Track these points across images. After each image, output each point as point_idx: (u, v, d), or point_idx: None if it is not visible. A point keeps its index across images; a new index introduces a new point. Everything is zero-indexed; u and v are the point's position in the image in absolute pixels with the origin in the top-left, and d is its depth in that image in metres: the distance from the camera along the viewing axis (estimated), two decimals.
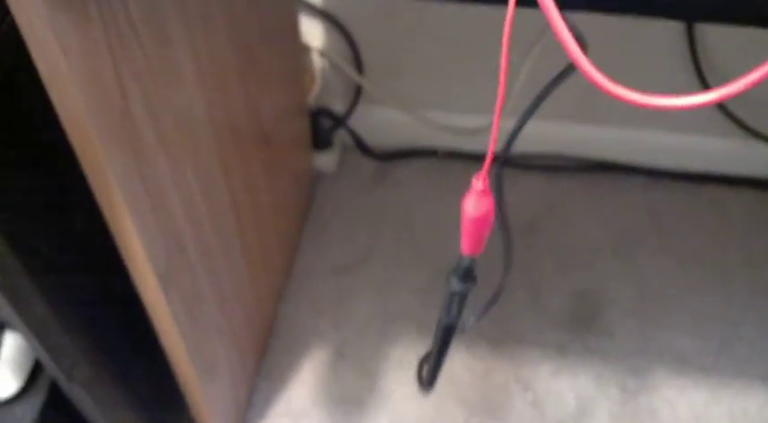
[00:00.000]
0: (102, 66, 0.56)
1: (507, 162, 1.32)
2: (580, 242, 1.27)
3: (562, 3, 0.28)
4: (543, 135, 1.33)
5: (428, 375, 0.67)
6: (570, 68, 0.35)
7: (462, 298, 0.53)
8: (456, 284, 0.52)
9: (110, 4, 0.56)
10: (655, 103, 0.29)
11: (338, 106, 1.34)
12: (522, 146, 1.36)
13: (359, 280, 1.22)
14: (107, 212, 0.65)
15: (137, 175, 0.65)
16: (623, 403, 1.08)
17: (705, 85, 1.20)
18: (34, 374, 0.77)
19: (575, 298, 1.20)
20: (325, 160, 1.36)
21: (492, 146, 0.39)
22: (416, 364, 0.69)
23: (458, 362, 1.12)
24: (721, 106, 1.25)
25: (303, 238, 1.28)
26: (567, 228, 1.29)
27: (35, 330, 0.67)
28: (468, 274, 0.52)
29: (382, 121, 1.36)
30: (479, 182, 0.42)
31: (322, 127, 1.33)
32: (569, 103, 1.28)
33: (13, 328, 0.70)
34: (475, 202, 0.43)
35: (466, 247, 0.47)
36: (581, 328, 1.16)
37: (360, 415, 1.08)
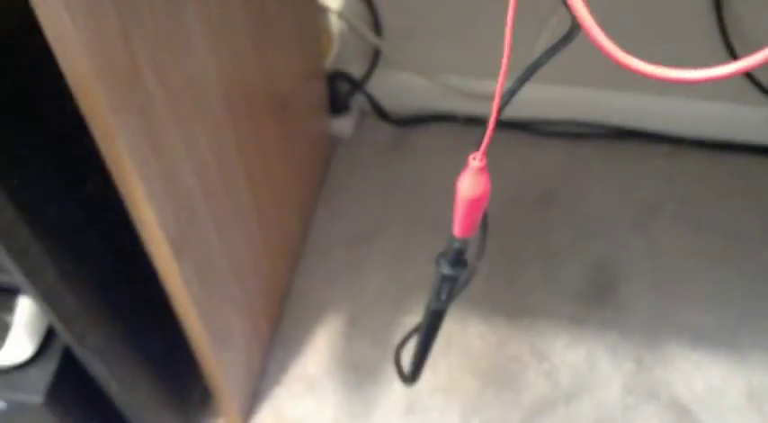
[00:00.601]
0: (109, 28, 0.55)
1: (517, 127, 1.30)
2: (598, 212, 1.25)
3: None
4: (563, 101, 1.31)
5: (414, 364, 0.65)
6: (573, 32, 0.33)
7: (452, 282, 0.51)
8: (446, 268, 0.50)
9: None
10: (665, 75, 0.27)
11: (356, 70, 1.32)
12: (542, 112, 1.33)
13: (373, 249, 1.21)
14: (117, 177, 0.63)
15: (147, 140, 0.63)
16: (638, 376, 1.07)
17: (732, 53, 1.17)
18: (48, 339, 0.77)
19: (592, 269, 1.18)
20: (342, 125, 1.34)
21: (493, 122, 0.37)
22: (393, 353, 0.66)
23: (472, 332, 1.11)
24: (747, 74, 1.22)
25: (318, 206, 1.27)
26: (585, 197, 1.27)
27: (46, 296, 0.67)
28: (458, 258, 0.49)
29: (400, 86, 1.34)
30: (476, 160, 0.40)
31: (339, 91, 1.31)
32: (590, 69, 1.25)
33: (26, 293, 0.70)
34: (471, 182, 0.40)
35: (458, 228, 0.45)
36: (597, 299, 1.15)
37: (373, 384, 1.07)
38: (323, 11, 1.22)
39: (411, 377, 0.66)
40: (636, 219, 1.24)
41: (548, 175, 1.30)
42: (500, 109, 0.37)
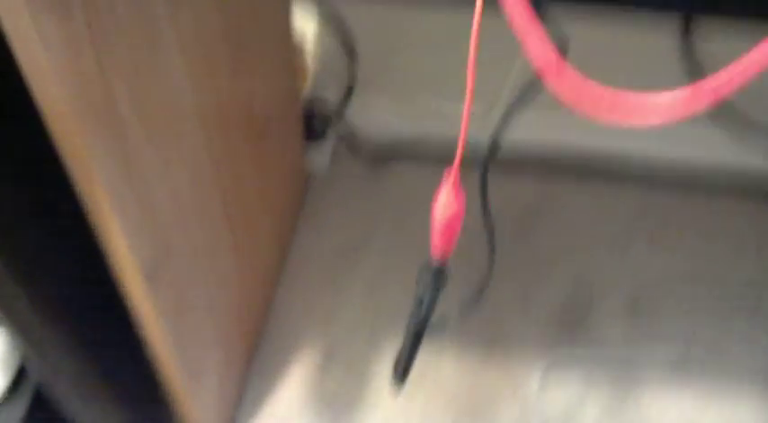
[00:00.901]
0: (83, 58, 0.54)
1: (494, 161, 1.30)
2: (572, 240, 1.25)
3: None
4: (537, 129, 1.31)
5: (397, 378, 0.65)
6: (536, 86, 0.33)
7: (432, 301, 0.51)
8: (425, 287, 0.49)
9: (95, 4, 0.54)
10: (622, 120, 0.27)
11: (332, 97, 1.32)
12: (515, 139, 1.34)
13: (351, 280, 1.20)
14: (91, 208, 0.62)
15: (122, 170, 0.62)
16: (612, 407, 1.07)
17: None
18: (21, 373, 0.75)
19: (566, 298, 1.18)
20: (319, 153, 1.33)
21: (461, 144, 0.37)
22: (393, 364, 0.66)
23: (446, 362, 1.10)
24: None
25: (295, 236, 1.26)
26: (559, 225, 1.27)
27: (19, 327, 0.66)
28: (438, 276, 0.49)
29: (377, 113, 1.34)
30: (449, 179, 0.40)
31: (315, 120, 1.30)
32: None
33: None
34: (444, 201, 0.41)
35: (436, 247, 0.45)
36: (571, 329, 1.14)
37: (349, 415, 1.06)
38: (300, 39, 1.22)
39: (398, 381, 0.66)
40: (610, 246, 1.24)
41: (521, 203, 1.30)
42: (493, 151, 0.37)
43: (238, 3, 0.84)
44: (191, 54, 0.72)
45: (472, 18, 0.32)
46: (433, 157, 1.35)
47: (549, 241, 1.25)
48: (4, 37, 0.49)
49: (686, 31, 1.15)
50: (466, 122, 0.36)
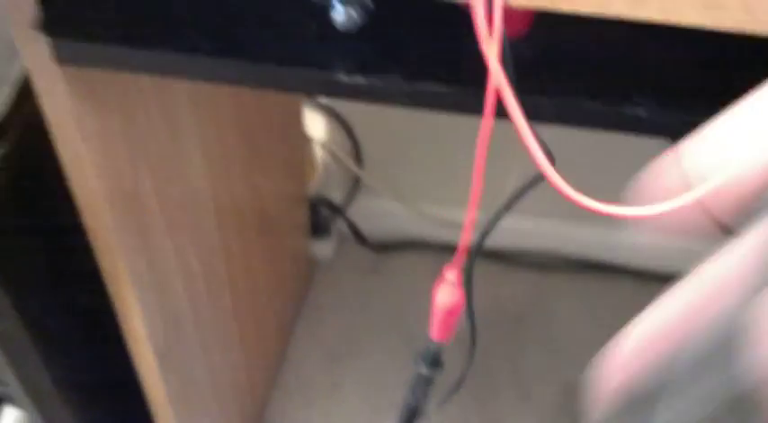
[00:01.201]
0: (118, 153, 0.60)
1: (488, 256, 1.35)
2: (568, 337, 1.28)
3: (533, 114, 0.31)
4: (532, 231, 1.37)
5: None
6: (537, 181, 0.38)
7: (428, 381, 0.55)
8: (423, 368, 0.54)
9: (128, 95, 0.60)
10: (619, 213, 0.31)
11: (337, 196, 1.38)
12: (512, 241, 1.39)
13: (350, 370, 1.24)
14: (112, 290, 0.67)
15: (143, 256, 0.68)
16: None
17: None
18: None
19: (563, 393, 1.21)
20: (323, 248, 1.39)
21: (465, 241, 0.42)
22: None
23: None
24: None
25: (298, 325, 1.30)
26: (555, 323, 1.31)
27: (38, 403, 0.69)
28: (435, 359, 0.54)
29: (380, 213, 1.40)
30: (451, 274, 0.45)
31: (320, 216, 1.36)
32: (559, 201, 1.31)
33: (15, 401, 0.72)
34: (446, 293, 0.46)
35: (435, 333, 0.50)
36: None
37: None
38: (307, 140, 1.30)
39: None
40: (606, 344, 1.27)
41: (518, 302, 1.34)
42: (481, 240, 0.43)
43: (254, 107, 0.92)
44: (209, 151, 0.78)
45: (474, 125, 0.37)
46: (433, 249, 1.40)
47: (546, 339, 1.28)
48: (45, 132, 0.55)
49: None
50: (470, 221, 0.41)
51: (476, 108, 0.36)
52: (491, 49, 0.28)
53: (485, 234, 0.44)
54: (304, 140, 1.27)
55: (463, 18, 0.40)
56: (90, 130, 0.56)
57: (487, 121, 0.30)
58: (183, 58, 0.43)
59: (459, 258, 0.44)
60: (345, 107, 1.27)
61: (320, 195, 1.36)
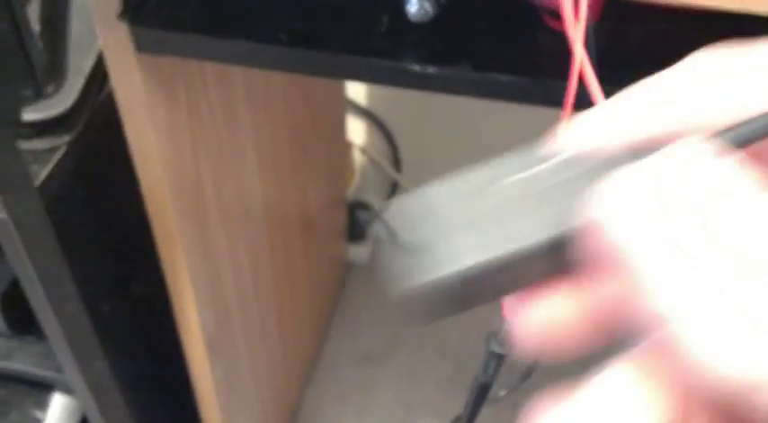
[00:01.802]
0: (182, 143, 0.62)
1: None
2: None
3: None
4: None
5: None
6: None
7: (500, 359, 0.56)
8: (495, 345, 0.55)
9: (195, 89, 0.63)
10: None
11: (375, 201, 1.40)
12: None
13: (384, 369, 1.25)
14: (170, 280, 0.69)
15: (200, 245, 0.70)
16: None
17: None
18: None
19: None
20: (359, 252, 1.41)
21: None
22: None
23: None
24: None
25: (333, 325, 1.32)
26: None
27: (93, 390, 0.71)
28: (508, 338, 0.55)
29: None
30: None
31: (358, 220, 1.38)
32: None
33: (68, 388, 0.74)
34: None
35: (507, 311, 0.50)
36: None
37: None
38: (348, 144, 1.32)
39: None
40: None
41: None
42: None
43: (304, 109, 0.94)
44: (262, 150, 0.81)
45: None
46: None
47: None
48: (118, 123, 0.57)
49: None
50: None
51: (546, 98, 0.37)
52: (577, 34, 0.30)
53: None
54: (345, 144, 1.29)
55: (533, 10, 0.42)
56: (159, 120, 0.58)
57: (568, 108, 0.31)
58: (262, 48, 0.46)
59: None
60: (386, 113, 1.29)
61: (358, 199, 1.38)
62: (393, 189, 1.38)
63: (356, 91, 1.28)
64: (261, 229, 0.86)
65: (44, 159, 0.58)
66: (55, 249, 0.57)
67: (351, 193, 1.36)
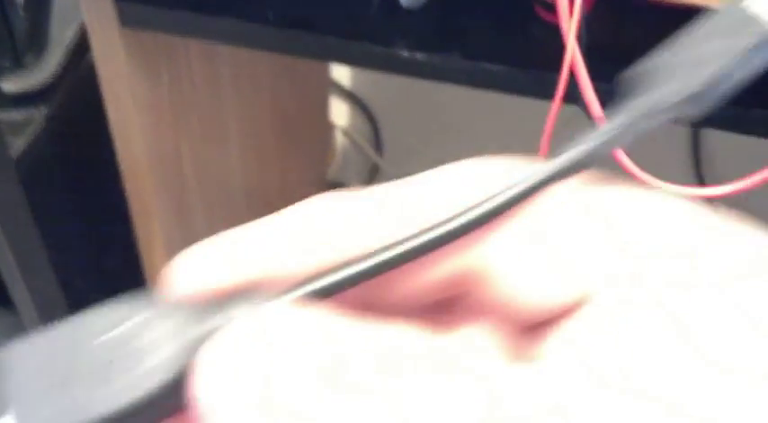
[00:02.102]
0: (163, 120, 0.62)
1: None
2: None
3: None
4: None
5: None
6: None
7: None
8: None
9: (178, 66, 0.62)
10: (693, 194, 0.33)
11: (354, 183, 1.40)
12: None
13: None
14: (144, 254, 0.69)
15: (177, 222, 0.69)
16: None
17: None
18: None
19: None
20: None
21: None
22: None
23: None
24: None
25: None
26: None
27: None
28: None
29: None
30: None
31: None
32: None
33: None
34: None
35: None
36: None
37: None
38: (330, 126, 1.31)
39: None
40: None
41: None
42: None
43: (287, 91, 0.93)
44: (245, 129, 0.80)
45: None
46: None
47: None
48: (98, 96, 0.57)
49: (695, 146, 1.23)
50: None
51: (535, 90, 0.37)
52: (571, 27, 0.29)
53: None
54: (328, 125, 1.29)
55: (525, 1, 0.42)
56: (141, 96, 0.57)
57: (557, 100, 0.31)
58: (249, 28, 0.45)
59: None
60: (369, 95, 1.28)
61: (338, 181, 1.37)
62: (373, 172, 1.38)
63: (341, 73, 1.27)
64: (240, 208, 0.85)
65: (20, 131, 0.57)
66: (28, 222, 0.56)
67: (331, 174, 1.35)
